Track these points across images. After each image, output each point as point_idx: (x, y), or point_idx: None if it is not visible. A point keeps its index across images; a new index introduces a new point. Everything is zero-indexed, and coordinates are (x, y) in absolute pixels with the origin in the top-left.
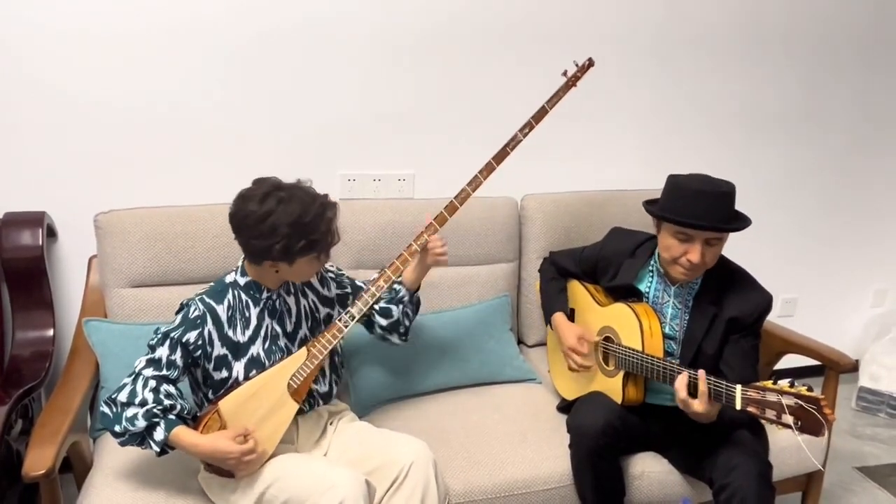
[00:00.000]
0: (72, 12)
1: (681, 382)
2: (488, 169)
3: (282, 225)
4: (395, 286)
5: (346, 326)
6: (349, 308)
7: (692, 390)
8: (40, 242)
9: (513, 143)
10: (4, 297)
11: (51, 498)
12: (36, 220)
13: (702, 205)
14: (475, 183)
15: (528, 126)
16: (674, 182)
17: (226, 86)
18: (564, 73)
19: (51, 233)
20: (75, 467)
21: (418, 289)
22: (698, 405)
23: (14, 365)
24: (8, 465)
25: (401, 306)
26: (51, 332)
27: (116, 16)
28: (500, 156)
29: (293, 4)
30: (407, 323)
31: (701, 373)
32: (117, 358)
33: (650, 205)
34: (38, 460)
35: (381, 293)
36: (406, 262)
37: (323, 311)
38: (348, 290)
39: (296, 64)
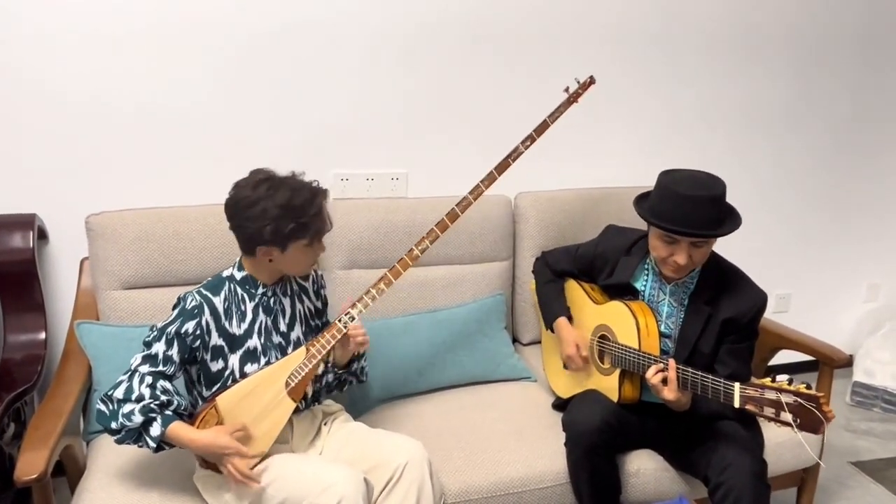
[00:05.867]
0: (63, 14)
1: (652, 371)
2: (490, 179)
3: (272, 207)
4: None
5: (346, 327)
6: (349, 310)
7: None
8: (31, 245)
9: (514, 155)
10: None
11: (44, 502)
12: (27, 222)
13: (687, 210)
14: (476, 192)
15: (530, 139)
16: (663, 183)
17: (217, 87)
18: (566, 90)
19: (42, 235)
20: (68, 471)
21: (347, 365)
22: (668, 392)
23: (6, 368)
24: (0, 469)
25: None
26: (42, 335)
27: (108, 17)
28: (502, 166)
29: (285, 6)
30: (351, 380)
31: (671, 362)
32: (110, 360)
33: (640, 201)
34: (31, 464)
35: (380, 295)
36: (407, 265)
37: (315, 321)
38: (325, 319)
39: (288, 65)
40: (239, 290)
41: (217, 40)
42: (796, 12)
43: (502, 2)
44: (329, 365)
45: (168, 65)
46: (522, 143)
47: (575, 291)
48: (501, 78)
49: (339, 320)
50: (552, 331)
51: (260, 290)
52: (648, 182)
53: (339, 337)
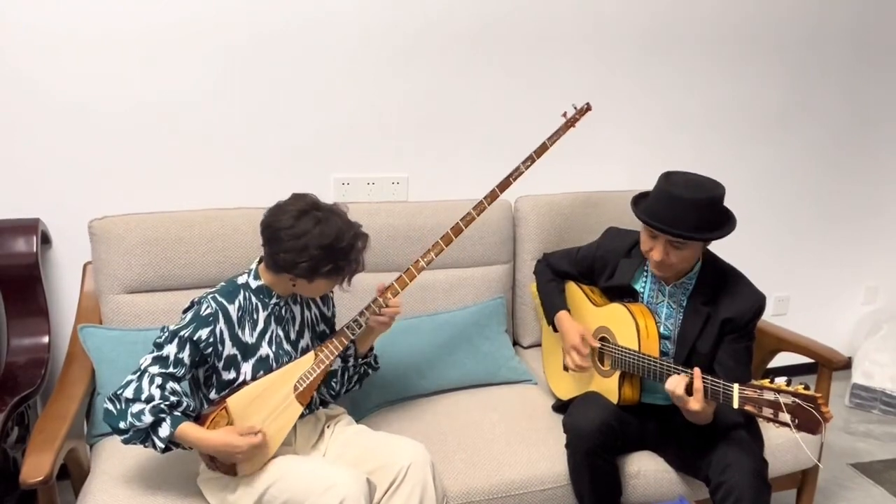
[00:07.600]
0: (65, 18)
1: (674, 381)
2: (492, 196)
3: (314, 247)
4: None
5: (354, 334)
6: (356, 317)
7: (687, 389)
8: (35, 249)
9: (516, 174)
10: None
11: None
12: (30, 226)
13: (670, 209)
14: (479, 208)
15: (530, 159)
16: (660, 181)
17: (219, 91)
18: (564, 115)
19: (45, 239)
20: (72, 474)
21: (367, 353)
22: (694, 403)
23: (9, 372)
24: (5, 472)
25: (350, 361)
26: (46, 339)
27: (110, 22)
28: (504, 184)
29: (286, 10)
30: (356, 380)
31: (696, 371)
32: (113, 364)
33: (638, 200)
34: (36, 467)
35: (387, 304)
36: (413, 276)
37: (321, 326)
38: (332, 323)
39: (289, 69)
40: (253, 299)
41: (218, 44)
42: (793, 13)
43: (503, 7)
44: (351, 359)
45: (169, 70)
46: (523, 163)
47: (575, 294)
48: (501, 81)
49: (348, 327)
50: (554, 327)
51: (273, 300)
52: (647, 185)
53: (346, 343)
